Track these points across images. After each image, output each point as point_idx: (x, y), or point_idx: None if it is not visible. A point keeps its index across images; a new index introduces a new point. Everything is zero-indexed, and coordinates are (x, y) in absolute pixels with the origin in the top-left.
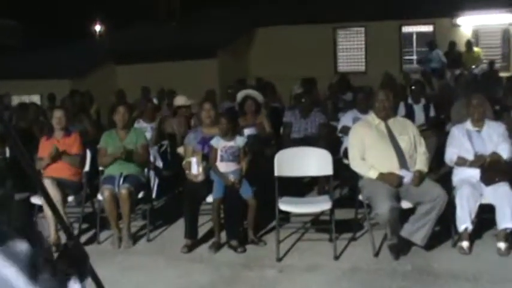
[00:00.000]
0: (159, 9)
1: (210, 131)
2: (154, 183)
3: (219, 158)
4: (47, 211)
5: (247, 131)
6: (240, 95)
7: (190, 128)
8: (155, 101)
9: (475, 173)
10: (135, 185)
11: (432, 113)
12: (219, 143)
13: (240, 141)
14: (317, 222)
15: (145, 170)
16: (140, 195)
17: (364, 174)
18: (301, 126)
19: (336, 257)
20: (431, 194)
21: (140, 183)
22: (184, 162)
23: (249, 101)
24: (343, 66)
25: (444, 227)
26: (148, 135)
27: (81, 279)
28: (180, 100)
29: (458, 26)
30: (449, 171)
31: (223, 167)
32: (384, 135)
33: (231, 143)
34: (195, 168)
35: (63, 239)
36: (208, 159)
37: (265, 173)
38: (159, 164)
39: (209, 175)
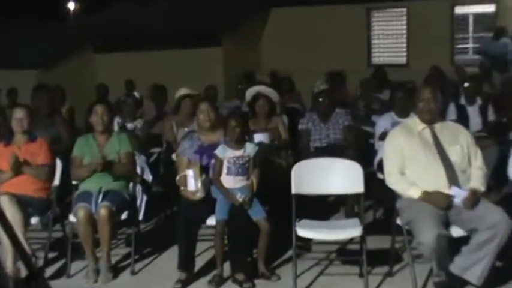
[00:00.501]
0: None
1: (209, 138)
2: (142, 201)
3: (225, 170)
4: (3, 236)
5: (257, 137)
6: (250, 93)
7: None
8: (137, 94)
9: None
10: (117, 204)
11: (491, 117)
12: (226, 153)
13: (250, 149)
14: (344, 252)
15: (131, 184)
16: (124, 216)
17: (403, 193)
18: (322, 132)
19: None
20: (489, 220)
21: (124, 201)
22: (178, 177)
23: (261, 100)
24: (378, 57)
25: (507, 262)
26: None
27: None
28: (183, 91)
29: None
30: None
31: (230, 181)
32: (429, 144)
33: (240, 152)
34: (192, 184)
35: (24, 271)
36: (207, 172)
37: (280, 190)
38: (148, 177)
39: (210, 192)
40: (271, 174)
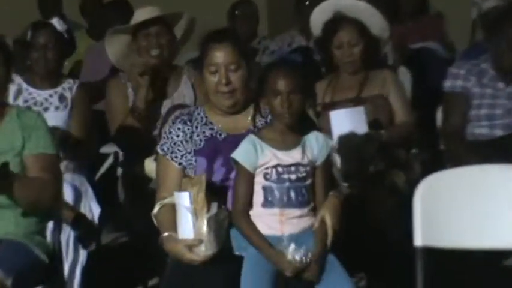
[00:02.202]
0: None
1: (233, 123)
2: (77, 264)
3: (259, 196)
4: None
5: (338, 118)
6: (320, 15)
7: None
8: (58, 24)
9: None
10: (17, 270)
11: None
12: (261, 156)
13: (317, 146)
14: None
15: (50, 226)
16: None
17: None
18: (499, 104)
19: None
20: None
21: (33, 263)
22: (157, 209)
23: (345, 31)
24: None
25: None
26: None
27: None
28: (143, 13)
29: None
30: None
31: (272, 222)
32: None
33: (294, 155)
34: (188, 225)
35: None
36: (224, 198)
37: (391, 239)
38: (92, 211)
39: (229, 243)
40: (369, 202)
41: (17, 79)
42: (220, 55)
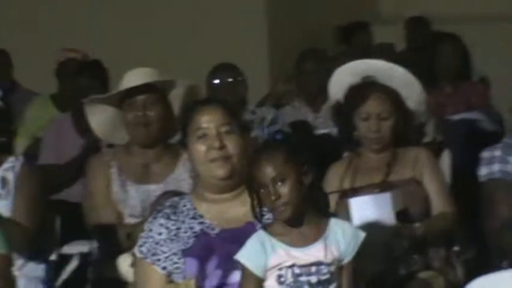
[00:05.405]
0: None
1: (231, 211)
2: None
3: None
4: None
5: (360, 207)
6: (345, 75)
7: None
8: None
9: None
10: None
11: None
12: (270, 255)
13: (342, 240)
14: None
15: None
16: None
17: None
18: None
19: None
20: None
21: None
22: None
23: (377, 100)
24: None
25: None
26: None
27: None
28: (131, 78)
29: None
30: None
31: None
32: None
33: (313, 252)
34: None
35: None
36: None
37: None
38: None
39: None
40: None
41: None
42: (208, 117)
